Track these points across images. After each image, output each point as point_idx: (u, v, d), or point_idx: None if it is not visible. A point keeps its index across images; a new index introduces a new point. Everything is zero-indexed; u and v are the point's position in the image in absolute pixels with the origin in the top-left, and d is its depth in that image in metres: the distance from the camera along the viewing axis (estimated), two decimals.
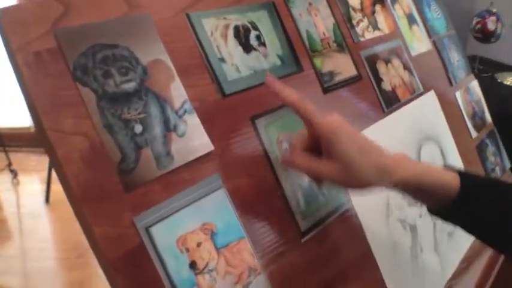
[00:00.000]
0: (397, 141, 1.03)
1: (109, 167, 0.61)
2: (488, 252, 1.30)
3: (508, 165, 1.48)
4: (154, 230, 0.61)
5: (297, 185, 0.79)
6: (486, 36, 1.98)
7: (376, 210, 0.91)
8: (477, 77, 1.53)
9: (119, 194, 0.60)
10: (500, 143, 1.48)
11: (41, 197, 2.98)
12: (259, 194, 0.74)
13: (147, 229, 0.61)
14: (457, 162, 1.21)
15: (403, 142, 1.05)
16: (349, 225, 0.86)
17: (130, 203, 0.61)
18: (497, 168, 1.41)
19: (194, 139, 0.69)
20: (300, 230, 0.77)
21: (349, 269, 0.82)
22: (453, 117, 1.28)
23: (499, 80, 2.09)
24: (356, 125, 0.96)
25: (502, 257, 1.34)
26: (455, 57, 1.41)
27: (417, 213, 1.01)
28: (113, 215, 0.59)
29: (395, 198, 0.95)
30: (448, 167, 0.72)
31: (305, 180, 0.80)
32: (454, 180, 0.67)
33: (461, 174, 0.68)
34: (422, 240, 0.99)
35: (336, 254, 0.81)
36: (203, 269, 0.63)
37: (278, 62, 0.86)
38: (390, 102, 1.06)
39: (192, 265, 0.63)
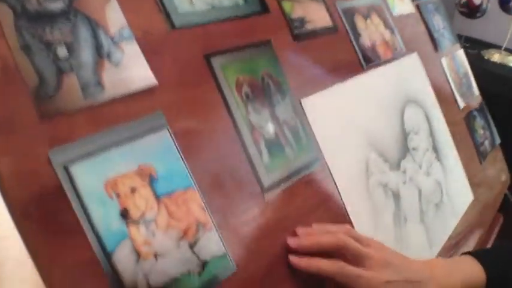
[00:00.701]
0: (378, 100, 0.93)
1: (23, 92, 0.49)
2: (478, 234, 1.20)
3: (497, 140, 1.39)
4: (76, 169, 0.50)
5: (259, 134, 0.68)
6: (472, 10, 1.89)
7: (353, 171, 0.80)
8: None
9: (32, 123, 0.49)
10: (490, 117, 1.39)
11: None
12: (213, 141, 0.63)
13: (66, 167, 0.49)
14: (444, 130, 1.11)
15: (384, 101, 0.94)
16: (322, 185, 0.74)
17: (47, 135, 0.49)
18: (487, 142, 1.31)
19: (132, 69, 0.58)
20: (263, 186, 0.66)
21: None
22: (439, 84, 1.18)
23: (485, 57, 2.01)
24: (331, 79, 0.85)
25: (492, 238, 1.24)
26: (440, 24, 1.32)
27: (400, 179, 0.90)
28: (23, 148, 0.47)
29: (376, 160, 0.85)
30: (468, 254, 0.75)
31: (269, 130, 0.69)
32: (479, 277, 0.71)
33: (485, 267, 0.71)
34: (407, 209, 0.89)
35: (305, 215, 0.70)
36: (138, 219, 0.52)
37: (240, 1, 0.76)
38: (369, 58, 0.96)
39: (124, 213, 0.51)
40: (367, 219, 0.78)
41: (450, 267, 0.72)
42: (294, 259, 0.63)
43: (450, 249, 1.01)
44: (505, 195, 1.41)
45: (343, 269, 0.61)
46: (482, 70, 1.68)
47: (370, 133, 0.86)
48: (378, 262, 0.63)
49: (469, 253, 0.76)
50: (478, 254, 0.74)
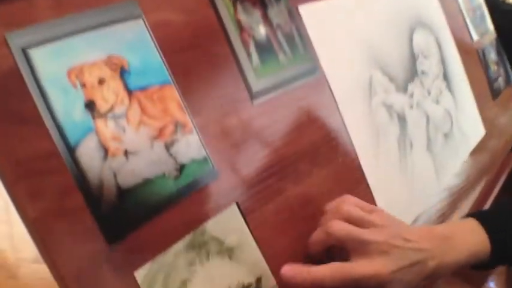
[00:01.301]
0: (385, 18, 0.85)
1: None
2: (485, 179, 1.14)
3: None
4: (35, 53, 0.44)
5: (249, 35, 0.61)
6: None
7: (354, 87, 0.74)
8: None
9: None
10: (505, 56, 1.31)
11: None
12: (194, 37, 0.57)
13: (24, 50, 0.43)
14: (456, 60, 1.04)
15: (392, 20, 0.87)
16: (319, 97, 0.68)
17: (5, 17, 0.43)
18: (501, 79, 1.23)
19: None
20: (251, 91, 0.60)
21: (315, 148, 0.65)
22: (451, 13, 1.10)
23: None
24: None
25: (502, 178, 1.18)
26: None
27: (407, 102, 0.84)
28: None
29: (381, 78, 0.78)
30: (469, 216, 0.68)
31: (261, 32, 0.63)
32: (484, 246, 0.64)
33: (490, 233, 0.64)
34: (413, 134, 0.82)
35: (298, 127, 0.64)
36: (106, 112, 0.47)
37: None
38: None
39: (89, 105, 0.46)
40: (368, 138, 0.72)
41: (451, 239, 0.62)
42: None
43: (455, 194, 0.94)
44: None
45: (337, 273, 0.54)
46: (497, 8, 1.59)
47: (376, 50, 0.79)
48: (383, 229, 0.57)
49: (472, 215, 0.68)
50: (482, 216, 0.66)
